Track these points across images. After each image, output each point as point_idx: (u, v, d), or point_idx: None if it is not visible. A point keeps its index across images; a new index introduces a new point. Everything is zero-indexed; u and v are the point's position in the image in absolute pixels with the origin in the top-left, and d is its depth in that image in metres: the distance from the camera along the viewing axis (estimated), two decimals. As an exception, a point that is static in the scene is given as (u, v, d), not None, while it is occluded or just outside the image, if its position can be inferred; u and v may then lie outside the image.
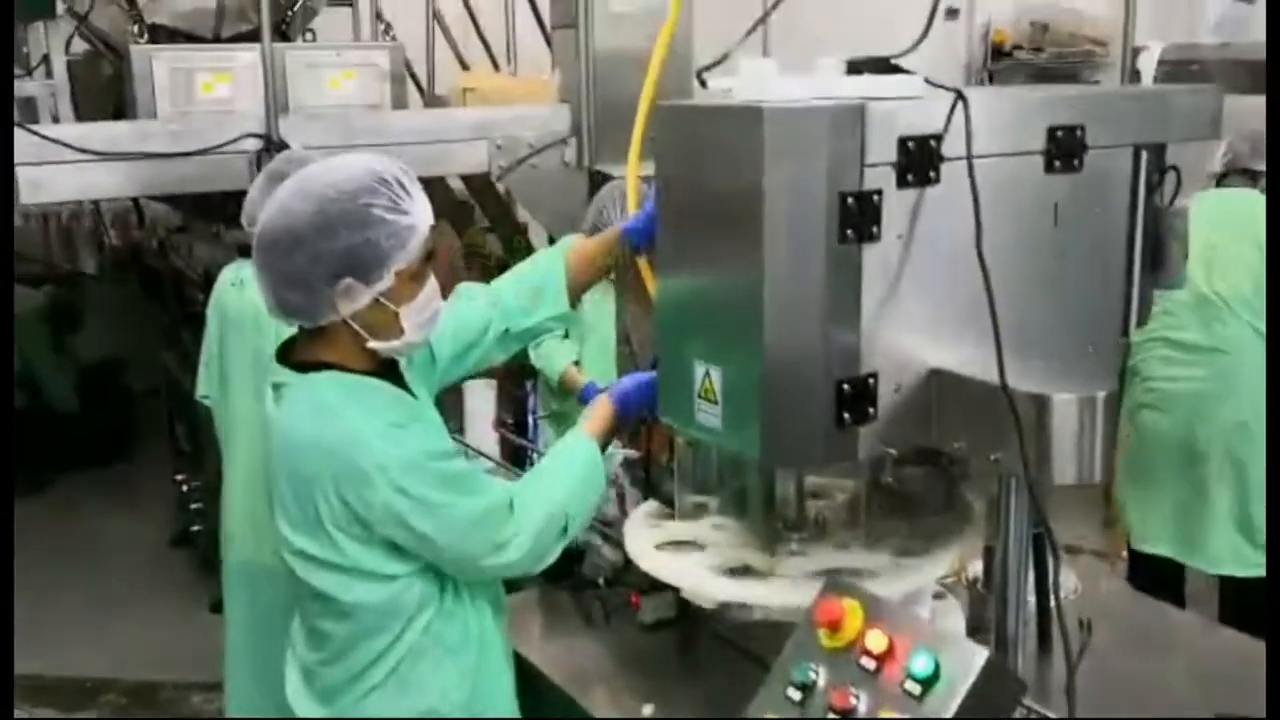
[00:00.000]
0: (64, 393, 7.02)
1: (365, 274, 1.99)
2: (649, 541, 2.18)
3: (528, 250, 6.58)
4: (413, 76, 5.89)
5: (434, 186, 3.53)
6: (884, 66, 1.94)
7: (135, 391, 7.26)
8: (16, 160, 4.03)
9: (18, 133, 4.08)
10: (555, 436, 3.74)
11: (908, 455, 2.02)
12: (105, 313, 7.19)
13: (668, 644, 2.44)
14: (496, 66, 6.49)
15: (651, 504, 2.39)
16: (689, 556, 2.11)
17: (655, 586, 2.41)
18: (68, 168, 4.16)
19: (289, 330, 3.25)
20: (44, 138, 4.07)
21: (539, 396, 3.89)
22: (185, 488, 5.42)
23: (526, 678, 2.31)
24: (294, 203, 2.00)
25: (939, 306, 1.92)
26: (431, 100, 5.98)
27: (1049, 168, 1.99)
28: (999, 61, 7.55)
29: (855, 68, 1.93)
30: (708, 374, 1.96)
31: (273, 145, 4.39)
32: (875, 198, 1.82)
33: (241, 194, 5.15)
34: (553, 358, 3.96)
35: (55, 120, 4.37)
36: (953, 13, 7.87)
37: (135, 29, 4.75)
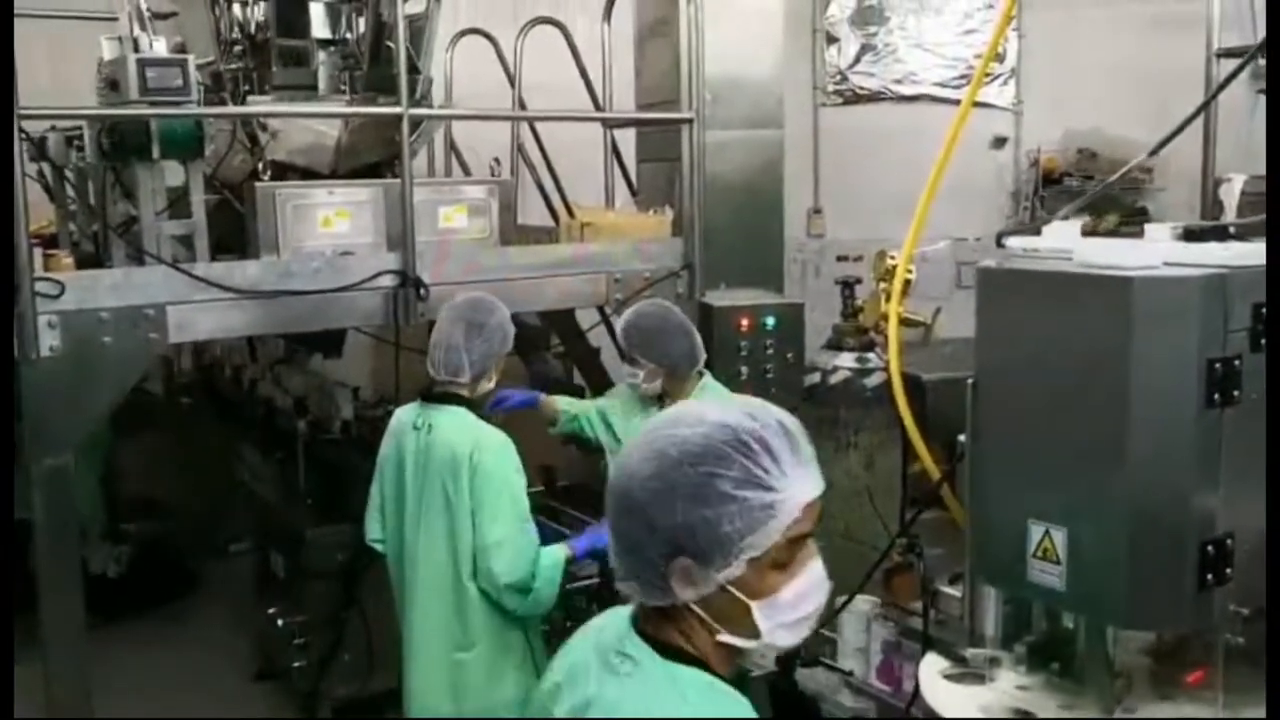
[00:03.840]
0: (92, 508, 6.75)
1: (705, 557, 1.63)
2: (974, 710, 2.15)
3: (601, 375, 6.63)
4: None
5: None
6: (1222, 234, 2.01)
7: (195, 516, 7.10)
8: (167, 300, 4.05)
9: (163, 271, 4.10)
10: None
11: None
12: (169, 433, 7.08)
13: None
14: (568, 207, 6.55)
15: (934, 659, 2.38)
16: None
17: (931, 739, 2.41)
18: (210, 306, 4.17)
19: (492, 477, 3.31)
20: (193, 276, 4.09)
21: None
22: (280, 621, 5.30)
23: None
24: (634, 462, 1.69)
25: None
26: (521, 232, 6.05)
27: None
28: (1048, 188, 7.76)
29: (1194, 234, 2.00)
30: (1047, 534, 1.99)
31: (408, 282, 4.44)
32: (1237, 363, 1.87)
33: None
34: (578, 413, 4.38)
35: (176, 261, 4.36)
36: (1000, 141, 8.12)
37: (260, 166, 4.81)
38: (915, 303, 3.47)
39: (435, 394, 3.48)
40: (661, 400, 4.08)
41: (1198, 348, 1.84)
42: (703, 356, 4.10)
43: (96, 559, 6.42)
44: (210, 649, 6.17)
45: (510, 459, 3.38)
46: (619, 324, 4.06)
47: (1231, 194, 5.49)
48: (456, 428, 3.39)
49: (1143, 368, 1.83)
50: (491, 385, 3.54)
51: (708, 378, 4.18)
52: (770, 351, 5.18)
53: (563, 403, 4.31)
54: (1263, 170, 5.93)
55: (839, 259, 8.06)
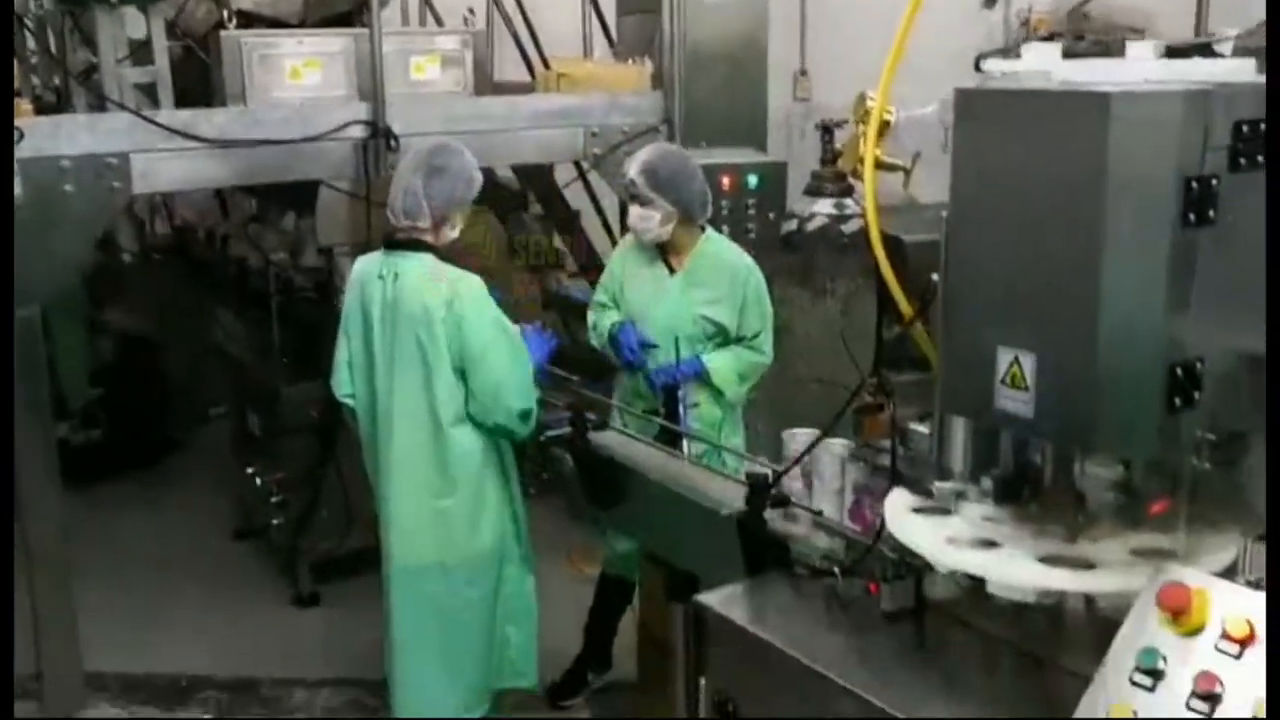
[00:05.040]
0: (80, 383, 6.69)
1: None
2: (939, 538, 2.15)
3: (581, 238, 6.57)
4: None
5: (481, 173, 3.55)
6: (1206, 50, 1.94)
7: (173, 380, 7.06)
8: (130, 148, 3.95)
9: (126, 119, 4.00)
10: (630, 389, 4.05)
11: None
12: (143, 297, 7.00)
13: (908, 630, 2.41)
14: (544, 60, 6.39)
15: (901, 494, 2.37)
16: (993, 552, 2.09)
17: (896, 575, 2.41)
18: (174, 155, 4.08)
19: (480, 321, 3.27)
20: (157, 124, 3.99)
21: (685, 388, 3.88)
22: (258, 479, 5.31)
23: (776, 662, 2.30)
24: None
25: (1256, 291, 1.92)
26: (497, 89, 5.91)
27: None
28: (1038, 49, 7.58)
29: (1176, 52, 1.93)
30: (1016, 360, 1.95)
31: (379, 132, 4.34)
32: (1214, 182, 1.82)
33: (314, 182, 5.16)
34: (601, 323, 4.15)
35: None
36: (991, 1, 7.91)
37: (225, 16, 4.66)
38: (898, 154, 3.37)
39: (399, 241, 3.39)
40: (664, 251, 4.02)
41: (1175, 166, 1.78)
42: (710, 207, 4.03)
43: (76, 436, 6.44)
44: (190, 509, 6.22)
45: (485, 297, 3.34)
46: (634, 164, 3.94)
47: (1225, 49, 5.36)
48: (423, 275, 3.32)
49: (1118, 186, 1.77)
50: (455, 233, 3.43)
51: (710, 230, 4.12)
52: (752, 211, 5.12)
53: (600, 321, 4.18)
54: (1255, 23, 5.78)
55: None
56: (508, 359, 3.35)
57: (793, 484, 2.74)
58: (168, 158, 4.06)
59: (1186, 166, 1.80)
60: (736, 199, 5.06)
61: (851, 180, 3.77)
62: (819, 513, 2.70)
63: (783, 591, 2.61)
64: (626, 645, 4.24)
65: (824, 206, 3.82)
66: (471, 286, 3.33)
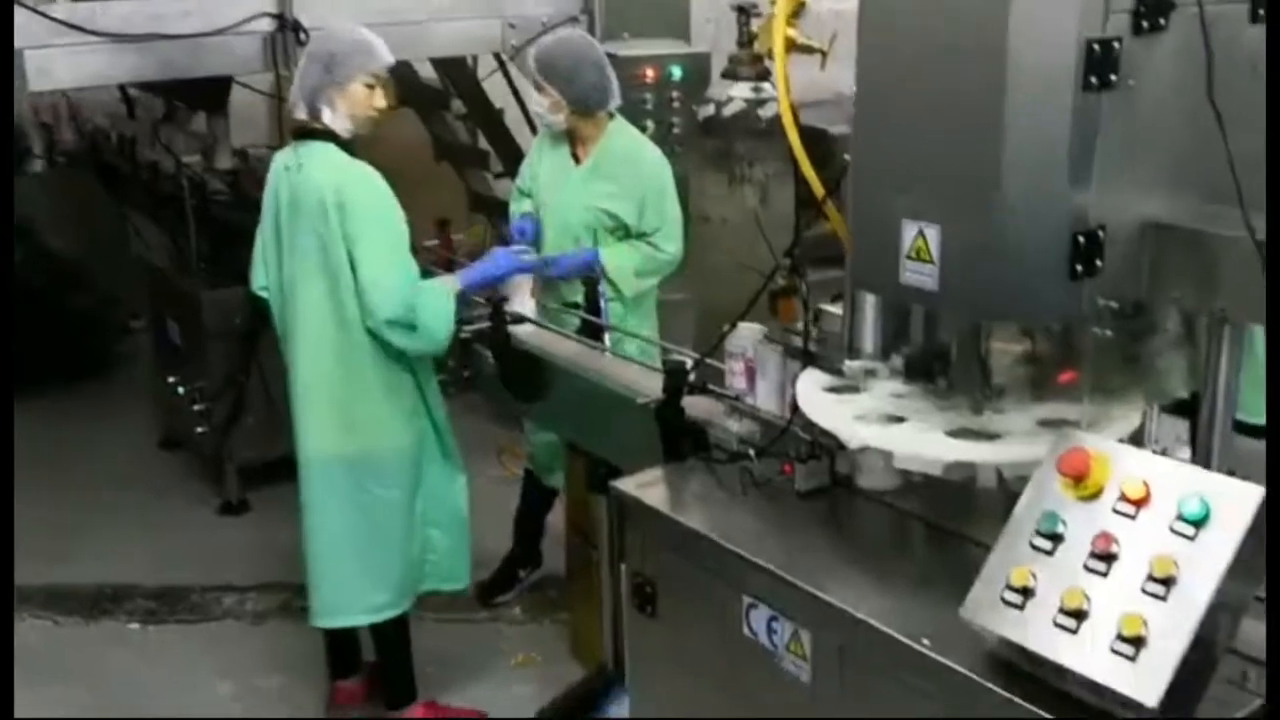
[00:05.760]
0: None
1: None
2: (848, 415, 2.15)
3: (506, 139, 6.44)
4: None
5: (401, 72, 3.45)
6: (1108, -89, 1.90)
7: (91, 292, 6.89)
8: (24, 44, 3.79)
9: (20, 13, 3.83)
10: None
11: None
12: (56, 210, 6.79)
13: (822, 509, 2.43)
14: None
15: (812, 374, 2.37)
16: (901, 427, 2.10)
17: (810, 455, 2.42)
18: (73, 51, 3.92)
19: (360, 211, 3.20)
20: (52, 19, 3.83)
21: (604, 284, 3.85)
22: (181, 388, 5.22)
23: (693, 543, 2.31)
24: None
25: (1156, 158, 1.92)
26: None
27: (1254, 18, 1.99)
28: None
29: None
30: (921, 233, 1.94)
31: (287, 25, 4.20)
32: (1116, 45, 1.80)
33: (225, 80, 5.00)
34: (517, 211, 4.13)
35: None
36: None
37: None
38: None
39: (304, 132, 3.31)
40: (571, 138, 3.96)
41: (1077, 28, 1.76)
42: (615, 98, 3.94)
43: None
44: (116, 421, 6.12)
45: (377, 190, 3.25)
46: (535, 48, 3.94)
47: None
48: (323, 166, 3.24)
49: (1020, 49, 1.75)
50: (349, 122, 3.28)
51: (620, 120, 4.04)
52: (676, 105, 5.05)
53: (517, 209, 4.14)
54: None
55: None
56: (385, 255, 3.24)
57: (735, 381, 2.70)
58: (66, 54, 3.89)
59: (1088, 28, 1.78)
60: (659, 91, 5.00)
61: (768, 63, 3.72)
62: (735, 398, 2.70)
63: (700, 476, 2.62)
64: (558, 541, 4.27)
65: (741, 90, 3.76)
66: (359, 174, 3.25)
